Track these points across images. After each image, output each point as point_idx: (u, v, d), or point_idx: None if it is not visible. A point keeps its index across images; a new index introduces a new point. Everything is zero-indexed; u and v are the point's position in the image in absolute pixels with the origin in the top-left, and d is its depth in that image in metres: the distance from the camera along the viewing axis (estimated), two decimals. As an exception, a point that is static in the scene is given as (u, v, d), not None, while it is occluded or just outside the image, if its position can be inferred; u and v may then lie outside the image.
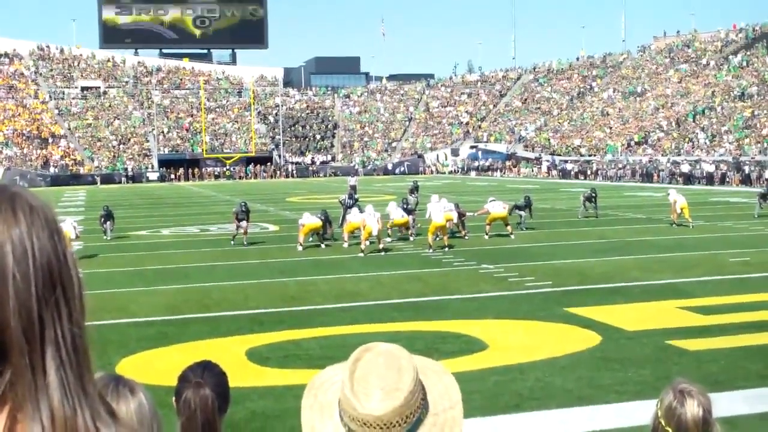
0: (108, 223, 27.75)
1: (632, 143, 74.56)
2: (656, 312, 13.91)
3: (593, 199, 31.90)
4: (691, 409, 2.97)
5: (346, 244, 23.70)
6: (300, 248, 23.49)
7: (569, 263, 19.92)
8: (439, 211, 22.98)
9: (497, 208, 25.59)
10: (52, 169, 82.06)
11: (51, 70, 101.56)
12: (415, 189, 36.97)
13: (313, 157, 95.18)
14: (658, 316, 13.57)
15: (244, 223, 24.98)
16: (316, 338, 12.37)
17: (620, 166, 68.83)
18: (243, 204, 25.60)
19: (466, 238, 25.21)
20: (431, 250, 22.43)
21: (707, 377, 9.48)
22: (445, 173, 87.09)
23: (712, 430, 2.99)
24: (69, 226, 22.29)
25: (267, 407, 9.14)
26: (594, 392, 9.42)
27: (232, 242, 25.23)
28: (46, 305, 1.05)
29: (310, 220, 23.74)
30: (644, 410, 3.12)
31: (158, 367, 10.59)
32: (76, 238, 23.92)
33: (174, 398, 3.05)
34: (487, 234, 25.47)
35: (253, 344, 12.14)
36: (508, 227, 25.51)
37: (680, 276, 17.58)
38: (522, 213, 28.62)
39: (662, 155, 68.04)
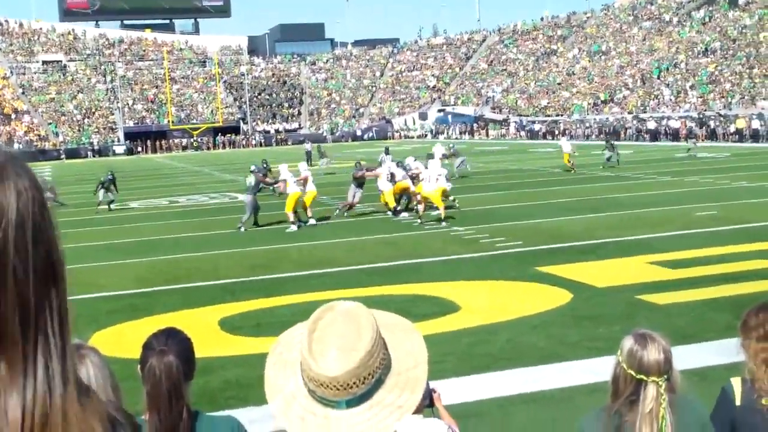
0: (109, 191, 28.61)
1: (599, 102, 74.83)
2: (626, 268, 14.03)
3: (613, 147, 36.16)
4: (653, 351, 3.02)
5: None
6: (294, 228, 20.90)
7: (540, 223, 20.02)
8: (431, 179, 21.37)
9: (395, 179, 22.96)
10: (16, 146, 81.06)
11: (11, 44, 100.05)
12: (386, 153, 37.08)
13: (278, 126, 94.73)
14: (628, 272, 13.69)
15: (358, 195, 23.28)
16: (289, 305, 12.36)
17: (587, 125, 69.09)
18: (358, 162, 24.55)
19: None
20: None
21: (677, 330, 9.59)
22: (413, 137, 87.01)
23: (672, 373, 3.04)
24: None
25: (241, 376, 9.14)
26: (565, 349, 9.50)
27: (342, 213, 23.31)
28: (43, 293, 1.03)
29: (293, 189, 21.50)
30: (614, 365, 3.15)
31: (130, 339, 10.53)
32: None
33: (139, 366, 3.02)
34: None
35: (225, 314, 12.12)
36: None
37: (649, 232, 17.71)
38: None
39: (628, 113, 68.37)
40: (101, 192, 28.18)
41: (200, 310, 12.48)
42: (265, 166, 29.52)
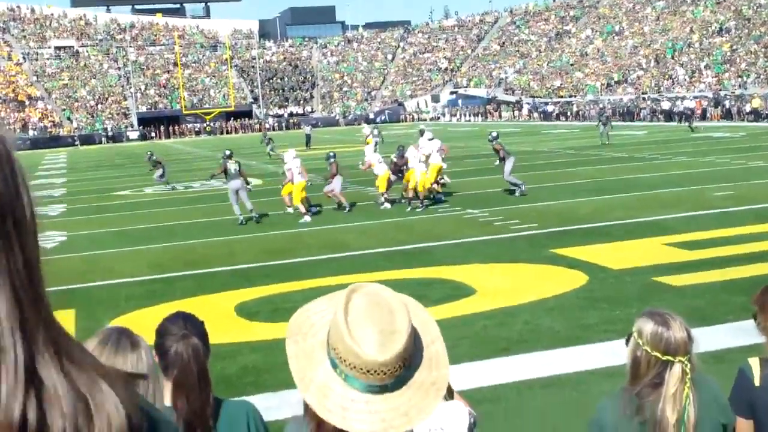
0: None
1: (612, 82, 74.44)
2: (641, 249, 13.98)
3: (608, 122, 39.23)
4: (677, 330, 3.02)
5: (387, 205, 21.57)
6: (308, 218, 19.96)
7: (554, 205, 19.96)
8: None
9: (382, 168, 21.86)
10: (31, 132, 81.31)
11: (23, 30, 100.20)
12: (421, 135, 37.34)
13: (291, 110, 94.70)
14: (643, 253, 13.64)
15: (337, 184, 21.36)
16: (304, 290, 12.37)
17: (601, 105, 68.78)
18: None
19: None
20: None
21: (693, 312, 9.56)
22: (426, 120, 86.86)
23: (692, 347, 3.05)
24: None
25: (258, 361, 9.17)
26: (582, 332, 9.49)
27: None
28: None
29: (298, 178, 20.54)
30: (632, 348, 3.15)
31: (148, 325, 10.54)
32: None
33: (156, 353, 3.01)
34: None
35: (241, 299, 12.15)
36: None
37: (665, 213, 17.63)
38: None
39: (642, 93, 68.00)
40: None
41: (216, 296, 12.51)
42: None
